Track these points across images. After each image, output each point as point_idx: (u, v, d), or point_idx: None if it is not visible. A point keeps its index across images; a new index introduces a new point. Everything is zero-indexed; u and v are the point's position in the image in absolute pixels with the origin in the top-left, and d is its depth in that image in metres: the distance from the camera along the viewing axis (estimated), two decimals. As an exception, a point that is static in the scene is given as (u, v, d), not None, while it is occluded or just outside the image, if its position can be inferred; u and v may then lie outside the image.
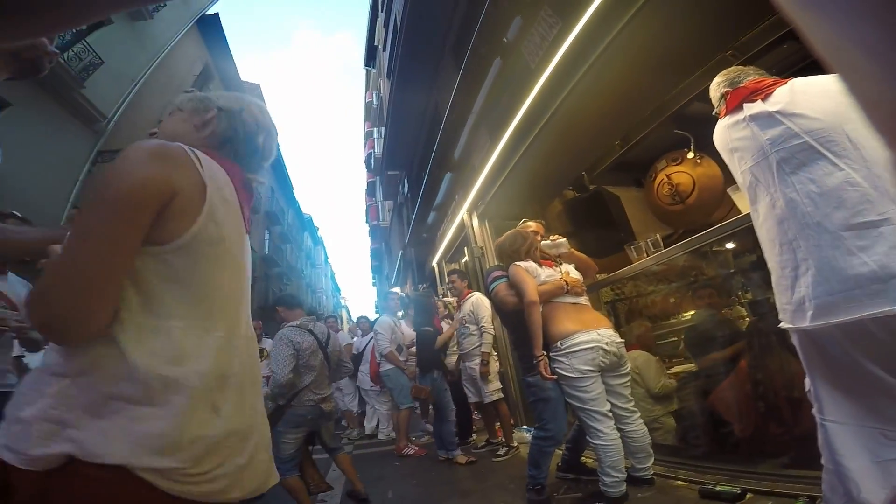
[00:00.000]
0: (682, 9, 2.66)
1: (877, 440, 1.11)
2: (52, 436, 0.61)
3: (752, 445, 2.38)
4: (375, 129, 15.45)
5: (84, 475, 0.61)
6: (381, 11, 12.12)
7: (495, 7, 4.16)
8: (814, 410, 1.24)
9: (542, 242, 2.74)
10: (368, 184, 19.50)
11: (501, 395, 3.99)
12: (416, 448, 4.27)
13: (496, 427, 4.17)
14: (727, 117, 1.52)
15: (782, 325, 1.28)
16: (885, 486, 1.10)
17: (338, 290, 51.11)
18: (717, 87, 1.62)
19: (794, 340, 1.26)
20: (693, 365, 3.03)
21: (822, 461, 1.21)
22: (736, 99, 1.49)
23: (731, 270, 3.01)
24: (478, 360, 3.87)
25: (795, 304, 1.21)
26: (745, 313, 2.96)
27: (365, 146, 18.93)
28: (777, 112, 1.33)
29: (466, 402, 4.31)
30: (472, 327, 3.95)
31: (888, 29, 0.19)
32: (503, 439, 3.95)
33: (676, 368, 3.22)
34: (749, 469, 2.21)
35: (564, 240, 2.73)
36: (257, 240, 19.84)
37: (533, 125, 3.97)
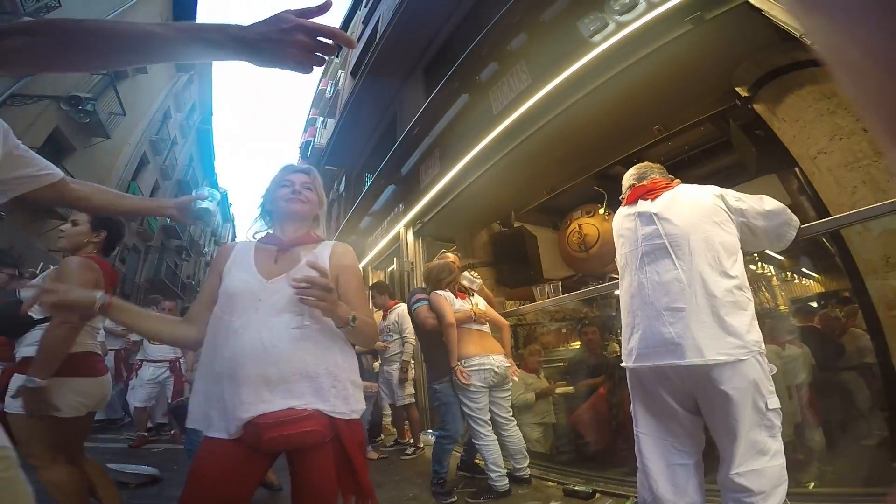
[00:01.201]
0: (623, 90, 3.37)
1: (668, 449, 1.64)
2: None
3: (604, 455, 3.06)
4: (321, 119, 15.09)
5: None
6: (364, 7, 11.85)
7: (478, 46, 4.56)
8: (633, 425, 1.77)
9: (463, 274, 3.24)
10: (299, 170, 18.83)
11: (413, 399, 4.30)
12: None
13: (405, 428, 4.49)
14: (626, 207, 1.91)
15: (622, 364, 1.82)
16: (672, 483, 1.62)
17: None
18: (627, 178, 1.99)
19: (627, 375, 1.79)
20: (571, 388, 3.70)
21: (637, 463, 1.74)
22: (635, 194, 1.88)
23: (613, 313, 3.76)
24: (397, 366, 4.17)
25: (628, 351, 1.74)
26: (618, 349, 3.73)
27: (305, 132, 18.36)
28: (655, 214, 1.74)
29: (378, 403, 4.62)
30: (395, 335, 4.24)
31: (888, 30, 0.19)
32: (411, 440, 4.27)
33: (560, 390, 3.84)
34: (599, 474, 2.83)
35: (480, 280, 3.27)
36: (163, 208, 18.27)
37: (483, 162, 4.49)
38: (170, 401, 4.71)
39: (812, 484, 2.10)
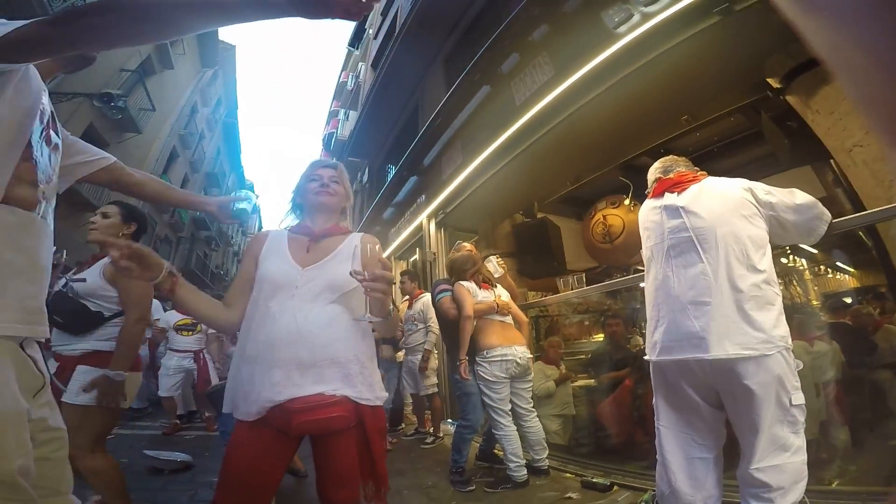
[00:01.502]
0: (649, 82, 3.31)
1: (688, 443, 1.65)
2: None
3: (624, 448, 3.06)
4: (343, 111, 15.22)
5: None
6: None
7: (498, 38, 4.52)
8: (655, 418, 1.78)
9: (489, 258, 3.26)
10: (322, 162, 19.05)
11: (436, 389, 4.35)
12: None
13: (425, 418, 4.56)
14: (652, 200, 1.91)
15: (645, 357, 1.82)
16: (690, 476, 1.63)
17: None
18: (653, 172, 1.98)
19: (650, 368, 1.80)
20: (593, 381, 3.70)
21: (657, 456, 1.76)
22: (661, 187, 1.88)
23: (638, 306, 3.73)
24: (420, 356, 4.21)
25: (651, 345, 1.75)
26: (642, 342, 3.70)
27: (327, 124, 18.57)
28: (682, 207, 1.73)
29: (400, 392, 4.71)
30: (420, 325, 4.25)
31: (887, 30, 0.19)
32: (431, 429, 4.33)
33: (580, 382, 3.85)
34: (619, 467, 2.83)
35: (504, 269, 3.29)
36: (192, 200, 18.83)
37: (505, 154, 4.47)
38: (194, 389, 4.89)
39: (835, 482, 2.07)
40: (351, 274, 1.14)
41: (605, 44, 3.28)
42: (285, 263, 1.31)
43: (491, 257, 3.33)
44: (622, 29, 3.17)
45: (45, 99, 1.00)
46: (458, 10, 6.44)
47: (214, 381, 4.60)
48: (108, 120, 10.63)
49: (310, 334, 1.19)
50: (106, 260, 1.94)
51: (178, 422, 4.83)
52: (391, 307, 1.25)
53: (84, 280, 1.90)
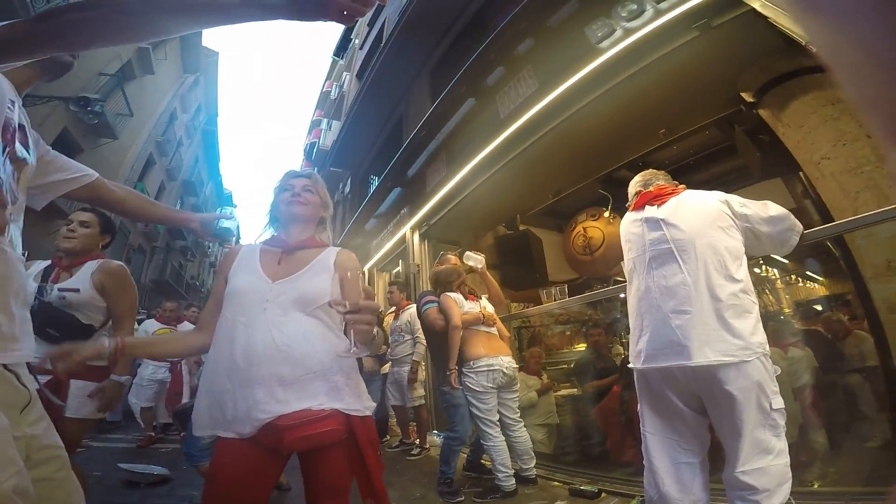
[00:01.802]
0: (629, 96, 3.42)
1: (674, 448, 1.68)
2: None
3: (611, 455, 3.09)
4: (326, 121, 15.15)
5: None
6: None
7: (484, 51, 4.60)
8: (640, 424, 1.81)
9: (467, 253, 3.28)
10: (303, 172, 18.90)
11: (423, 401, 4.28)
12: None
13: (410, 429, 4.50)
14: (632, 212, 1.95)
15: (629, 365, 1.86)
16: (678, 481, 1.66)
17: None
18: (633, 185, 2.03)
19: (634, 376, 1.84)
20: (576, 390, 3.73)
21: (644, 462, 1.79)
22: (642, 200, 1.92)
23: (618, 316, 3.80)
24: (408, 367, 4.14)
25: (636, 353, 1.79)
26: (622, 351, 3.77)
27: (309, 134, 18.44)
28: (662, 220, 1.77)
29: (384, 404, 4.66)
30: (407, 336, 4.20)
31: (887, 30, 0.19)
32: (417, 441, 4.25)
33: (563, 391, 3.87)
34: (605, 474, 2.86)
35: (482, 257, 3.28)
36: (168, 209, 18.42)
37: (489, 166, 4.54)
38: (165, 402, 4.75)
39: (816, 484, 2.13)
40: (330, 304, 1.09)
41: (587, 58, 3.38)
42: (254, 276, 1.28)
43: (468, 252, 3.31)
44: (605, 44, 3.28)
45: (16, 111, 0.95)
46: (446, 22, 6.53)
47: (187, 395, 4.52)
48: (84, 125, 10.35)
49: (287, 348, 1.15)
50: (91, 267, 1.90)
51: (152, 434, 4.68)
52: (375, 332, 1.20)
53: (78, 290, 1.84)
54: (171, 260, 19.68)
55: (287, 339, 1.16)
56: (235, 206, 32.03)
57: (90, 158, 10.88)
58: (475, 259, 3.26)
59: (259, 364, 1.13)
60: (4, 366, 0.85)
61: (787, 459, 1.49)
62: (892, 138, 0.22)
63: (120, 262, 2.01)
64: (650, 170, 2.08)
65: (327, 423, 1.13)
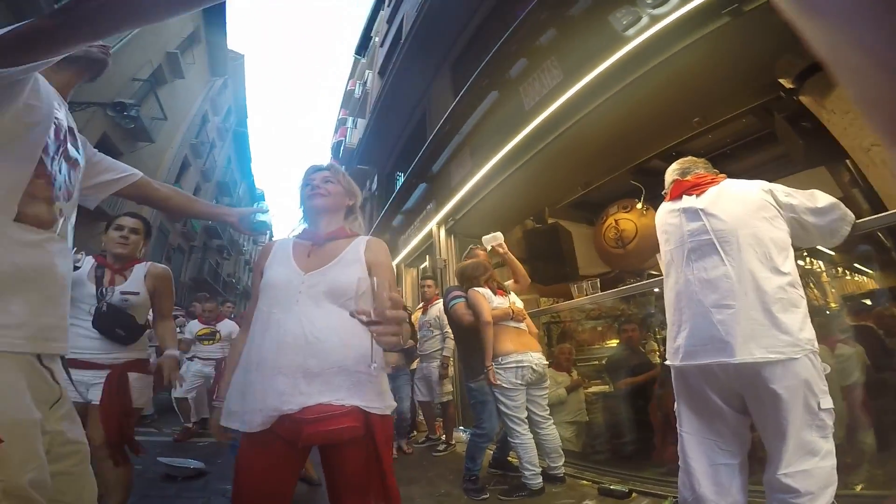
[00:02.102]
0: (660, 84, 3.30)
1: (712, 449, 1.62)
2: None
3: (641, 455, 3.01)
4: (351, 119, 15.35)
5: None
6: (388, 6, 11.90)
7: (505, 43, 4.53)
8: (677, 424, 1.75)
9: (484, 238, 3.22)
10: (331, 170, 19.23)
11: (451, 397, 4.29)
12: None
13: (436, 425, 4.52)
14: (669, 203, 1.89)
15: (666, 361, 1.80)
16: (715, 482, 1.60)
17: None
18: (670, 174, 1.96)
19: (672, 373, 1.77)
20: (608, 387, 3.65)
21: (679, 462, 1.73)
22: (679, 190, 1.86)
23: (652, 311, 3.68)
24: (437, 363, 4.14)
25: (673, 349, 1.72)
26: (657, 347, 3.66)
27: (336, 133, 18.73)
28: (701, 210, 1.71)
29: (412, 400, 4.68)
30: (436, 331, 4.19)
31: (886, 30, 0.19)
32: (443, 436, 4.29)
33: (593, 388, 3.80)
34: (637, 473, 2.79)
35: (500, 234, 3.21)
36: (203, 209, 19.12)
37: (515, 159, 4.47)
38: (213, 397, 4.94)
39: (860, 486, 2.02)
40: (353, 314, 1.04)
41: (613, 47, 3.28)
42: (287, 269, 1.30)
43: (484, 236, 3.21)
44: (630, 32, 3.17)
45: (62, 113, 0.99)
46: (465, 16, 6.48)
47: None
48: (122, 129, 10.79)
49: (316, 341, 1.16)
50: (141, 270, 2.10)
51: (190, 426, 4.81)
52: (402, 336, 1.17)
53: (138, 294, 2.04)
54: (208, 258, 20.43)
55: (317, 331, 1.17)
56: (262, 196, 32.88)
57: (129, 161, 11.08)
58: (492, 239, 3.17)
59: (286, 354, 1.15)
60: (40, 361, 0.88)
61: (833, 462, 1.41)
62: (892, 138, 0.22)
63: (165, 266, 2.21)
64: (689, 157, 1.99)
65: (345, 420, 1.13)
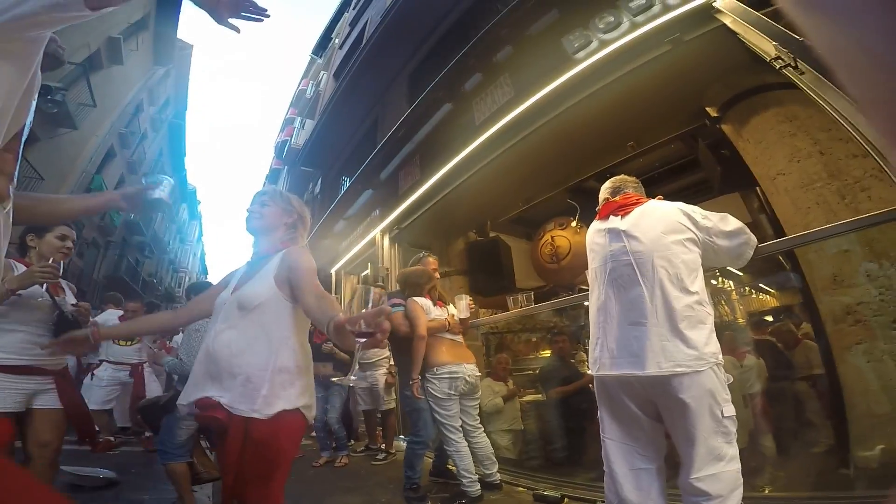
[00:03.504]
0: (601, 107, 3.51)
1: (632, 454, 1.71)
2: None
3: (572, 461, 3.13)
4: (299, 119, 14.91)
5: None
6: (352, 9, 11.80)
7: (464, 56, 4.63)
8: (600, 430, 1.82)
9: (459, 297, 3.22)
10: (272, 170, 18.58)
11: (394, 405, 4.23)
12: None
13: (377, 434, 4.44)
14: (597, 222, 1.97)
15: (589, 371, 1.89)
16: (636, 486, 1.69)
17: (205, 272, 46.50)
18: (603, 191, 2.04)
19: (594, 382, 1.86)
20: (541, 395, 3.76)
21: (604, 468, 1.82)
22: (606, 210, 1.94)
23: (583, 323, 3.85)
24: (383, 371, 4.07)
25: (594, 360, 1.82)
26: (586, 358, 3.82)
27: (281, 131, 18.08)
28: (624, 231, 1.80)
29: (348, 409, 4.56)
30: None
31: (887, 30, 0.19)
32: (383, 445, 4.21)
33: (528, 397, 3.89)
34: (568, 480, 2.88)
35: (466, 303, 3.21)
36: (123, 202, 17.66)
37: (462, 171, 4.55)
38: (129, 406, 4.51)
39: (767, 489, 2.20)
40: (345, 327, 1.04)
41: (563, 68, 3.45)
42: (227, 291, 1.47)
43: (463, 295, 3.25)
44: (580, 54, 3.35)
45: None
46: (427, 26, 6.54)
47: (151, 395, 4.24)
48: (43, 113, 9.73)
49: (214, 353, 1.35)
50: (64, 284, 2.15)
51: (111, 439, 4.35)
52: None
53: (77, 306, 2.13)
54: (127, 255, 18.76)
55: (218, 344, 1.36)
56: (195, 192, 30.88)
57: (46, 149, 10.32)
58: (464, 307, 3.15)
59: (199, 363, 1.40)
60: None
61: (738, 465, 1.53)
62: (892, 138, 0.22)
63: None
64: (621, 176, 2.09)
65: (213, 411, 1.30)
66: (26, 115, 0.86)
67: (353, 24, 10.80)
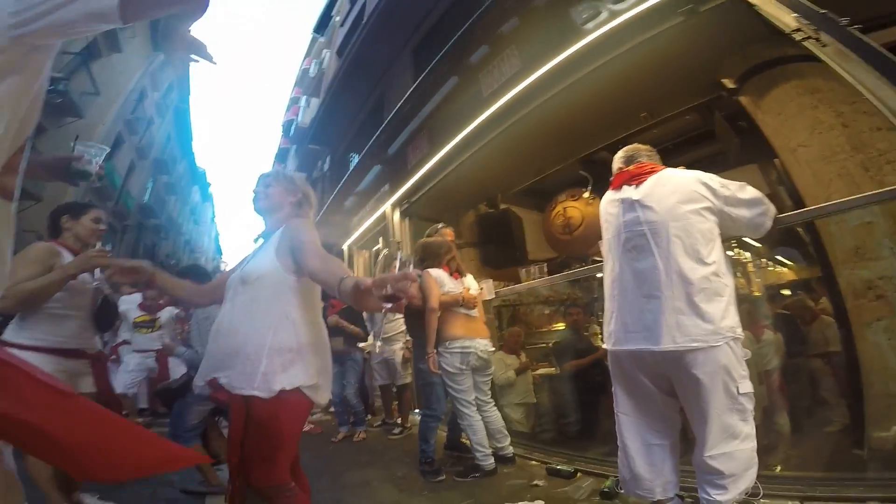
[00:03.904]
0: (613, 78, 3.39)
1: (645, 429, 1.72)
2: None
3: (585, 435, 3.17)
4: (304, 98, 14.76)
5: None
6: None
7: (469, 29, 4.50)
8: (614, 405, 1.83)
9: (485, 281, 3.20)
10: (281, 149, 18.53)
11: (410, 379, 4.23)
12: (312, 425, 4.50)
13: (392, 408, 4.52)
14: (611, 192, 1.93)
15: (603, 345, 1.89)
16: (649, 462, 1.70)
17: (220, 252, 47.28)
18: (616, 160, 1.99)
19: (608, 356, 1.86)
20: (554, 369, 3.78)
21: (618, 443, 1.82)
22: (619, 180, 1.89)
23: (596, 295, 3.84)
24: (400, 345, 4.08)
25: (607, 334, 1.82)
26: (599, 330, 3.83)
27: (287, 111, 17.93)
28: (637, 201, 1.75)
29: (364, 384, 4.64)
30: (399, 314, 3.91)
31: None
32: (398, 420, 4.30)
33: (541, 370, 3.92)
34: (581, 454, 2.91)
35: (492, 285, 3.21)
36: (138, 187, 17.90)
37: (471, 144, 4.49)
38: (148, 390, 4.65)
39: (779, 467, 2.19)
40: (371, 290, 1.03)
41: (572, 39, 3.33)
42: (237, 271, 1.51)
43: (490, 280, 3.23)
44: (590, 25, 3.23)
45: None
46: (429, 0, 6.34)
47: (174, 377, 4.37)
48: (48, 104, 9.76)
49: (220, 331, 1.40)
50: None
51: (139, 421, 4.49)
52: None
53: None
54: (143, 238, 19.10)
55: (224, 321, 1.41)
56: (204, 175, 30.97)
57: (55, 138, 10.43)
58: (489, 289, 3.18)
59: (211, 340, 1.43)
60: None
61: (753, 444, 1.52)
62: None
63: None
64: (634, 144, 2.01)
65: (217, 393, 1.35)
66: (37, 118, 0.86)
67: (352, 1, 10.50)
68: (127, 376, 4.44)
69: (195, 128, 25.20)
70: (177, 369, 4.60)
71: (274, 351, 1.30)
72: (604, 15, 3.16)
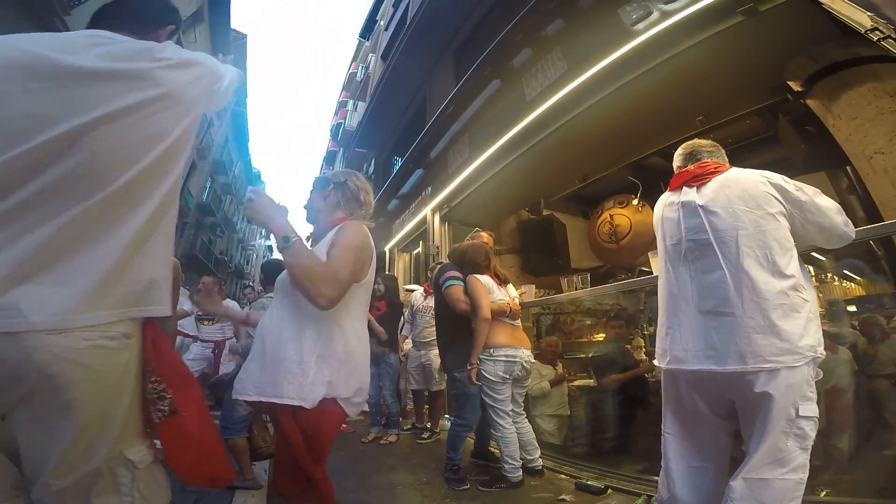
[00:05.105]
0: (665, 80, 3.26)
1: (691, 452, 1.60)
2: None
3: (619, 451, 3.02)
4: (352, 102, 15.21)
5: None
6: None
7: (511, 32, 4.44)
8: (662, 424, 1.70)
9: (525, 287, 3.15)
10: (329, 152, 19.17)
11: (444, 386, 4.15)
12: (345, 425, 4.57)
13: (423, 412, 4.49)
14: (669, 194, 1.76)
15: (654, 362, 1.75)
16: (691, 485, 1.58)
17: (270, 250, 49.36)
18: (676, 158, 1.83)
19: (662, 375, 1.71)
20: (591, 381, 3.63)
21: (661, 462, 1.69)
22: (679, 181, 1.72)
23: (642, 308, 3.66)
24: (437, 351, 3.90)
25: (661, 351, 1.67)
26: (644, 344, 3.65)
27: (336, 115, 18.56)
28: (701, 206, 1.58)
29: (397, 387, 4.64)
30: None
31: None
32: (428, 424, 4.26)
33: (577, 382, 3.79)
34: (613, 470, 2.77)
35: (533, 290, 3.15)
36: (197, 186, 18.99)
37: (513, 149, 4.43)
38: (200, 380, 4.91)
39: (824, 492, 1.99)
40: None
41: (621, 41, 3.22)
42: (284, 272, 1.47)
43: (532, 286, 3.22)
44: (640, 26, 3.12)
45: None
46: (471, 2, 6.37)
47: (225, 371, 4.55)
48: None
49: (260, 335, 1.39)
50: None
51: None
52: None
53: None
54: (200, 235, 20.22)
55: (262, 329, 1.41)
56: (259, 175, 32.57)
57: None
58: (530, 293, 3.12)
59: (255, 342, 1.42)
60: None
61: (801, 477, 1.34)
62: None
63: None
64: (695, 140, 1.83)
65: (256, 405, 1.35)
66: None
67: (395, 5, 10.71)
68: (189, 364, 4.69)
69: (251, 130, 26.53)
70: (227, 365, 4.81)
71: (315, 360, 1.29)
72: (655, 15, 3.03)
